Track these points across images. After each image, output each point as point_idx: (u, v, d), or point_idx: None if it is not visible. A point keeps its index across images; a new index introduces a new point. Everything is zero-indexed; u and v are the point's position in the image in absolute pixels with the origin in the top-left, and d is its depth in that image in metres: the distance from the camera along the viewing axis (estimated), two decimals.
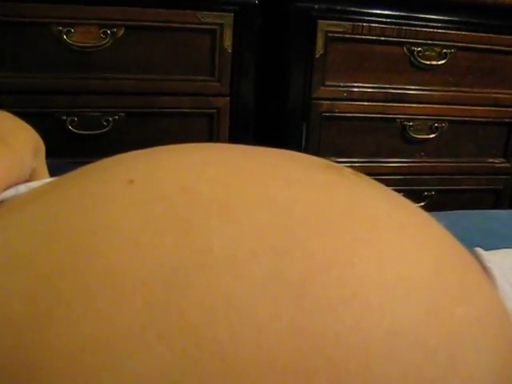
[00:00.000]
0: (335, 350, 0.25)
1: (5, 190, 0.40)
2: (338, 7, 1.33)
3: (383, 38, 1.39)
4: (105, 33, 1.21)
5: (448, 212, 0.97)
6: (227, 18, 1.27)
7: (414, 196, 1.51)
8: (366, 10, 1.36)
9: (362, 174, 0.38)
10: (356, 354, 0.25)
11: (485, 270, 0.53)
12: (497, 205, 1.61)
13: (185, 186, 0.30)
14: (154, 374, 0.24)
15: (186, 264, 0.26)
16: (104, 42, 1.21)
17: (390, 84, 1.43)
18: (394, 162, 1.50)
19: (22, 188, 0.42)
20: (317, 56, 1.35)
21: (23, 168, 0.42)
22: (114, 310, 0.25)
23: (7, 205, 0.38)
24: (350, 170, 0.37)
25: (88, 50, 1.21)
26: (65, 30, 1.18)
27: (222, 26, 1.27)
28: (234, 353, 0.24)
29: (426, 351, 0.26)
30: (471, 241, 0.64)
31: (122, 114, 1.27)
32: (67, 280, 0.26)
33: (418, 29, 1.40)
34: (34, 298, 0.26)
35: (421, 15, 1.39)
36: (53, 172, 0.50)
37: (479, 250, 0.57)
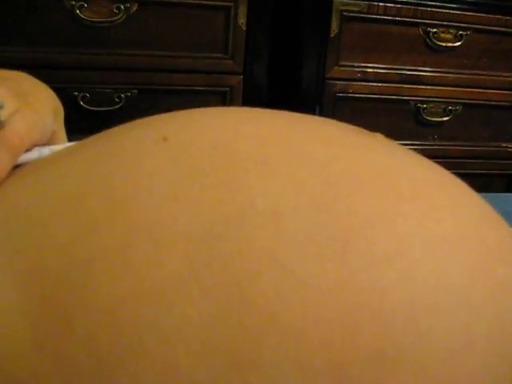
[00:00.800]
0: (381, 305, 0.24)
1: (27, 151, 0.40)
2: None
3: (398, 19, 1.37)
4: (118, 8, 1.20)
5: None
6: None
7: None
8: None
9: (394, 141, 0.37)
10: (402, 309, 0.24)
11: None
12: (509, 190, 1.60)
13: (221, 142, 0.30)
14: (198, 328, 0.23)
15: (227, 218, 0.25)
16: (117, 18, 1.20)
17: (405, 65, 1.42)
18: (407, 145, 1.48)
19: (46, 150, 0.41)
20: (331, 35, 1.33)
21: (45, 128, 0.42)
22: (154, 263, 0.24)
23: (34, 165, 0.37)
24: (382, 136, 0.37)
25: (101, 25, 1.20)
26: (78, 4, 1.17)
27: (236, 3, 1.25)
28: (278, 307, 0.23)
29: (471, 309, 0.26)
30: None
31: (135, 91, 1.26)
32: (105, 233, 0.26)
33: (433, 9, 1.38)
34: (72, 250, 0.26)
35: None
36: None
37: None
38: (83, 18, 1.18)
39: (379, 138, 0.36)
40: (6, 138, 0.34)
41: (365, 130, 0.37)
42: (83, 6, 1.17)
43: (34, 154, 0.40)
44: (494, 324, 0.26)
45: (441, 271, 0.26)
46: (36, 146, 0.41)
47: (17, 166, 0.36)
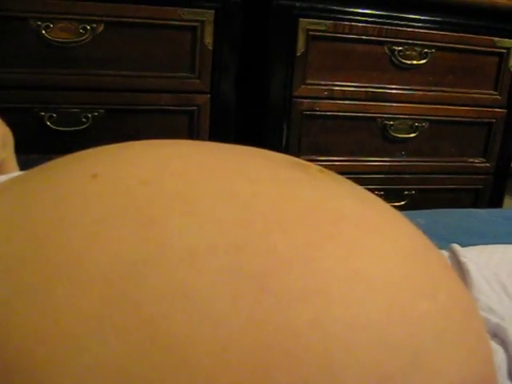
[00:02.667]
0: (294, 345, 0.24)
1: None
2: (320, 6, 1.34)
3: (364, 37, 1.39)
4: (84, 28, 1.20)
5: (428, 210, 0.97)
6: (208, 15, 1.26)
7: (394, 195, 1.51)
8: (347, 9, 1.36)
9: (330, 172, 0.38)
10: (315, 349, 0.25)
11: (460, 264, 0.53)
12: (476, 204, 1.62)
13: (147, 179, 0.30)
14: (109, 367, 0.23)
15: (144, 257, 0.26)
16: (83, 38, 1.20)
17: (371, 83, 1.44)
18: (375, 161, 1.50)
19: None
20: (298, 54, 1.35)
21: None
22: (70, 302, 0.25)
23: None
24: (317, 167, 0.37)
25: (67, 45, 1.20)
26: (44, 24, 1.17)
27: (202, 22, 1.27)
28: (190, 347, 0.24)
29: (387, 347, 0.26)
30: (451, 238, 0.64)
31: (102, 111, 1.26)
32: (27, 271, 0.26)
33: (399, 28, 1.41)
34: None
35: (402, 15, 1.40)
36: (30, 167, 0.50)
37: (455, 246, 0.57)
38: (49, 39, 1.18)
39: (312, 170, 0.36)
40: None
41: (301, 162, 0.38)
42: (49, 26, 1.17)
43: None
44: (412, 360, 0.27)
45: (358, 309, 0.27)
46: None
47: None
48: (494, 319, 0.47)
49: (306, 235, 0.28)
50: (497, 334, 0.46)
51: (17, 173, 0.52)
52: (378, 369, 0.26)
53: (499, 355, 0.43)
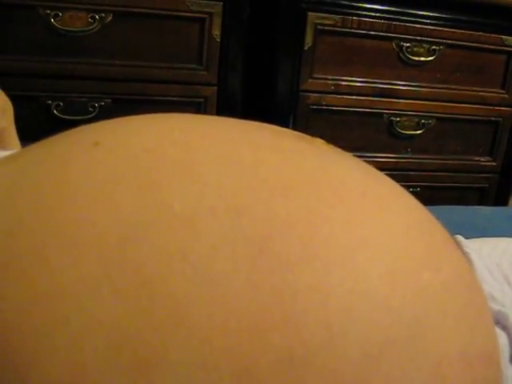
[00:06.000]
0: (293, 308, 0.24)
1: None
2: (328, 0, 1.33)
3: (373, 33, 1.39)
4: (93, 18, 1.20)
5: (433, 207, 0.97)
6: (216, 7, 1.26)
7: None
8: (356, 4, 1.36)
9: (334, 147, 0.38)
10: (314, 311, 0.25)
11: (463, 255, 0.53)
12: (482, 203, 1.62)
13: (149, 147, 0.30)
14: (106, 327, 0.23)
15: (144, 220, 0.26)
16: (92, 27, 1.21)
17: (378, 79, 1.43)
18: (381, 157, 1.50)
19: None
20: (305, 48, 1.35)
21: None
22: (68, 264, 0.25)
23: None
24: (322, 141, 0.37)
25: (76, 34, 1.20)
26: (53, 13, 1.17)
27: (211, 14, 1.27)
28: (188, 307, 0.24)
29: (389, 313, 0.26)
30: (454, 234, 0.64)
31: (109, 101, 1.27)
32: (25, 234, 0.26)
33: (407, 24, 1.40)
34: None
35: (411, 11, 1.40)
36: None
37: (459, 237, 0.57)
38: (58, 27, 1.18)
39: (317, 143, 0.36)
40: None
41: (305, 136, 0.38)
42: (58, 15, 1.18)
43: None
44: (414, 327, 0.27)
45: (358, 275, 0.27)
46: None
47: None
48: (496, 307, 0.47)
49: (308, 201, 0.28)
50: (499, 321, 0.46)
51: (18, 148, 0.52)
52: (380, 334, 0.25)
53: (502, 340, 0.43)
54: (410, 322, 0.27)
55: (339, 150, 0.38)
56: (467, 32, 1.45)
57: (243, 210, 0.27)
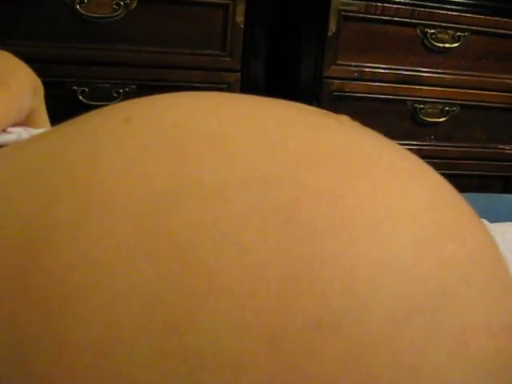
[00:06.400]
0: (320, 275, 0.25)
1: (4, 131, 0.42)
2: None
3: (396, 19, 1.38)
4: (118, 4, 1.21)
5: None
6: None
7: None
8: None
9: (360, 124, 0.38)
10: (341, 278, 0.25)
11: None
12: (506, 191, 1.61)
13: (179, 121, 0.31)
14: (140, 290, 0.24)
15: (175, 190, 0.27)
16: (116, 14, 1.22)
17: (402, 65, 1.43)
18: (404, 145, 1.48)
19: (25, 134, 0.43)
20: (329, 34, 1.34)
21: (21, 108, 0.45)
22: (104, 232, 0.26)
23: (11, 147, 0.38)
24: (347, 117, 0.38)
25: (101, 20, 1.22)
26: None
27: (234, 1, 1.27)
28: (218, 272, 0.24)
29: (415, 282, 0.27)
30: None
31: (133, 87, 1.28)
32: (62, 205, 0.27)
33: (432, 10, 1.39)
34: (31, 222, 0.27)
35: None
36: None
37: (483, 221, 0.57)
38: (83, 14, 1.20)
39: (343, 119, 0.37)
40: None
41: (331, 113, 0.39)
42: (83, 1, 1.19)
43: (13, 137, 0.42)
44: (439, 296, 0.27)
45: (384, 245, 0.27)
46: (14, 124, 0.43)
47: None
48: None
49: (334, 174, 0.29)
50: None
51: (47, 128, 0.53)
52: (406, 302, 0.26)
53: None
54: (435, 291, 0.27)
55: (364, 127, 0.38)
56: (492, 18, 1.44)
57: (271, 181, 0.27)
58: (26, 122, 0.49)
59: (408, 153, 0.36)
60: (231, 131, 0.30)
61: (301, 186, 0.28)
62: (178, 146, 0.29)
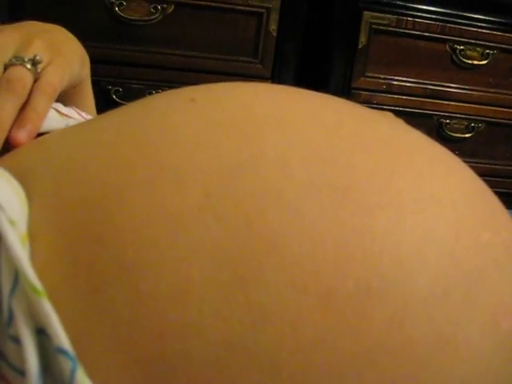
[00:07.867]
0: (371, 244, 0.27)
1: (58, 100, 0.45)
2: (384, 0, 1.35)
3: (427, 34, 1.40)
4: (155, 8, 1.25)
5: None
6: (274, 2, 1.29)
7: None
8: (411, 5, 1.37)
9: (401, 119, 0.40)
10: (389, 250, 0.27)
11: None
12: None
13: (242, 104, 0.33)
14: (210, 247, 0.26)
15: (241, 162, 0.29)
16: (153, 17, 1.25)
17: (430, 80, 1.44)
18: None
19: (72, 121, 0.46)
20: (359, 47, 1.37)
21: (73, 76, 0.49)
22: (176, 194, 0.28)
23: (71, 127, 0.41)
24: (392, 114, 0.40)
25: (137, 23, 1.25)
26: (117, 2, 1.22)
27: (268, 9, 1.30)
28: (280, 235, 0.27)
29: (455, 262, 0.29)
30: None
31: (166, 89, 1.30)
32: (136, 170, 0.29)
33: (462, 27, 1.41)
34: (104, 184, 0.29)
35: (466, 14, 1.40)
36: None
37: None
38: (121, 16, 1.23)
39: (388, 115, 0.39)
40: (43, 87, 0.42)
41: (375, 110, 0.41)
42: (122, 4, 1.22)
43: (62, 124, 0.45)
44: (475, 277, 0.29)
45: (428, 225, 0.29)
46: (66, 102, 0.46)
47: (40, 134, 0.41)
48: None
49: (384, 159, 0.31)
50: None
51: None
52: (445, 279, 0.28)
53: None
54: (471, 272, 0.29)
55: (405, 123, 0.40)
56: None
57: (328, 161, 0.29)
58: (76, 92, 0.52)
59: (447, 150, 0.38)
60: (290, 115, 0.33)
61: (354, 167, 0.30)
62: (244, 124, 0.31)
